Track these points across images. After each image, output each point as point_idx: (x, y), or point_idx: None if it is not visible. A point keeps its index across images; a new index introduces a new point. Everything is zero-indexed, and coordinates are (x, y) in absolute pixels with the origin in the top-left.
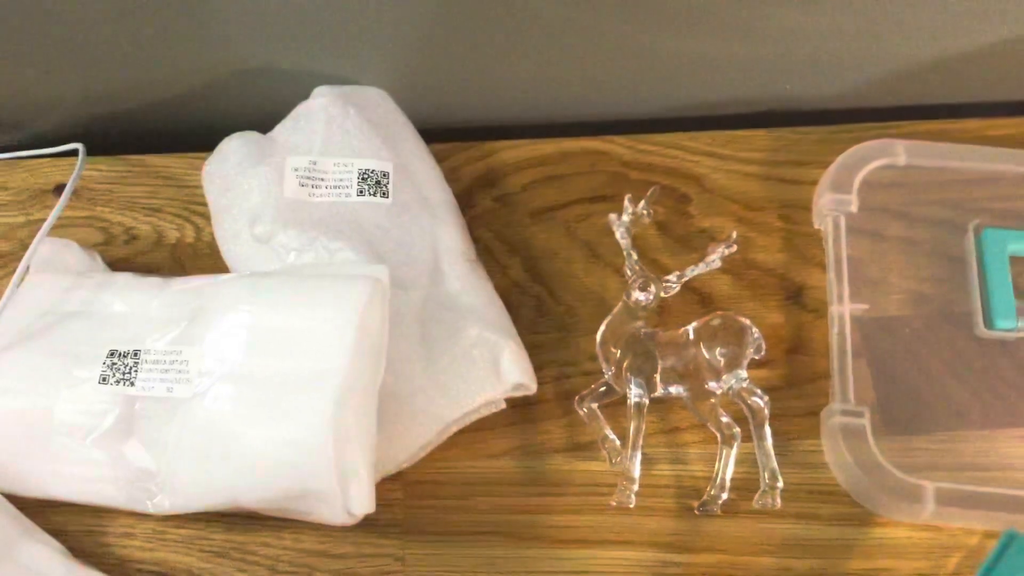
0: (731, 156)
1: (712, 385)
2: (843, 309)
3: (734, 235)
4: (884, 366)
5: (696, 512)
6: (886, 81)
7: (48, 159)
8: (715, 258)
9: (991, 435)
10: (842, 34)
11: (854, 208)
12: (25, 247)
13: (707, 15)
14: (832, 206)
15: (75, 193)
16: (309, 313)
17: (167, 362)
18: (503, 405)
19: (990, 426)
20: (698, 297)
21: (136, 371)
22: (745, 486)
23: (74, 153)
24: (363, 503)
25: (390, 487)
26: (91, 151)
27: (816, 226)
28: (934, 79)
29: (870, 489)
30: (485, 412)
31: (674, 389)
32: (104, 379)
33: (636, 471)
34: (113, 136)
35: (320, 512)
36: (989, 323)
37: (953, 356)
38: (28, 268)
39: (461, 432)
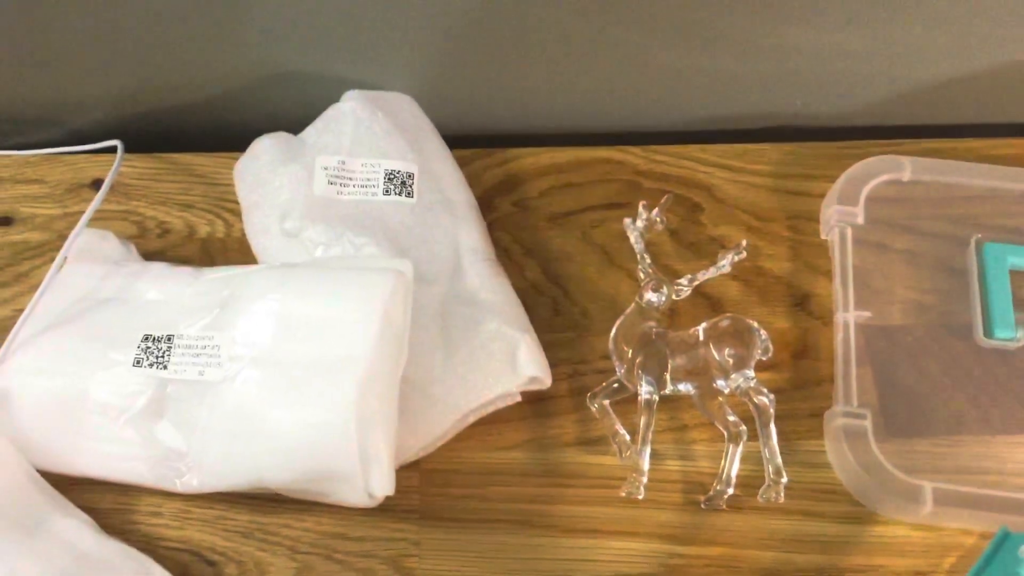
0: (742, 168)
1: (720, 384)
2: (848, 316)
3: (744, 243)
4: (886, 372)
5: (702, 506)
6: (894, 100)
7: (85, 155)
8: (725, 263)
9: (989, 440)
10: (853, 54)
11: (860, 220)
12: (62, 238)
13: (723, 33)
14: (839, 218)
15: (111, 188)
16: (336, 302)
17: (199, 347)
18: (518, 398)
19: (988, 431)
20: (708, 302)
21: (169, 355)
22: (750, 483)
23: (112, 150)
24: (384, 485)
25: (408, 475)
26: (127, 148)
27: (823, 237)
28: (940, 100)
29: (870, 488)
30: (500, 404)
31: (683, 387)
32: (138, 362)
33: (645, 464)
34: (149, 135)
35: (342, 493)
36: (989, 333)
37: (953, 364)
38: (66, 257)
39: (477, 424)
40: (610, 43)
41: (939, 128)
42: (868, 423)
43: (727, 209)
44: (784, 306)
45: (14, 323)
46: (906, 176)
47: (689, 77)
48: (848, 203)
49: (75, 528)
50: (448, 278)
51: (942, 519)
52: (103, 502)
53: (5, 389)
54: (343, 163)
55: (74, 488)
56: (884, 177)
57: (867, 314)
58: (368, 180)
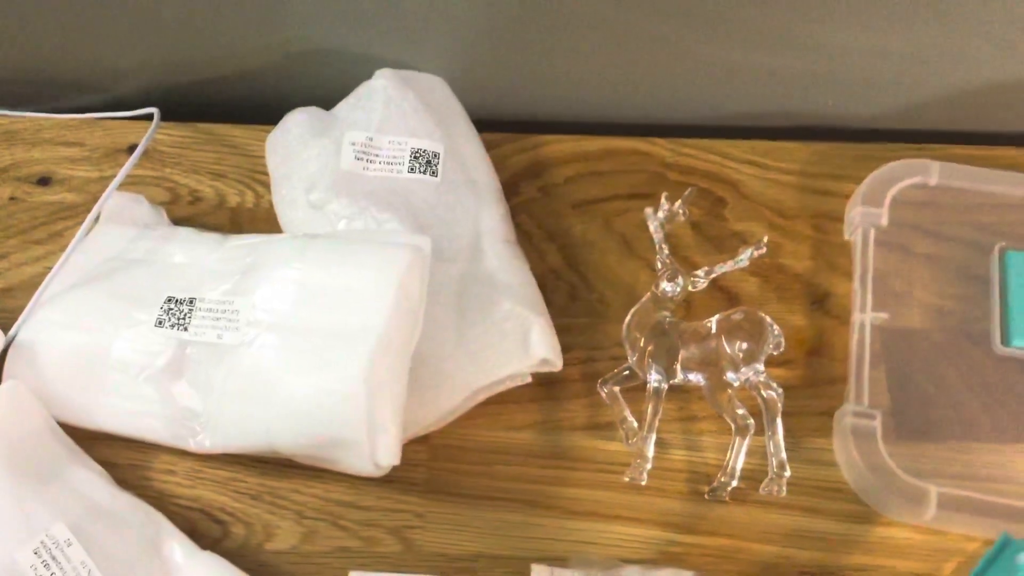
0: (768, 165)
1: (730, 376)
2: (865, 317)
3: (765, 239)
4: (900, 374)
5: (705, 497)
6: (925, 105)
7: (124, 121)
8: (743, 258)
9: (999, 448)
10: (886, 56)
11: (884, 222)
12: (97, 200)
13: (758, 29)
14: (863, 219)
15: (147, 154)
16: (354, 273)
17: (219, 311)
18: (529, 379)
19: (999, 439)
20: (725, 296)
21: (190, 317)
22: (755, 477)
23: (149, 117)
24: (389, 455)
25: (416, 448)
26: (164, 117)
27: (846, 237)
28: (970, 106)
29: (876, 489)
30: (511, 384)
31: (693, 377)
32: (160, 323)
33: (650, 451)
34: (185, 104)
35: (349, 461)
36: (1006, 341)
37: (968, 370)
38: (97, 217)
39: (487, 403)
40: (644, 35)
41: (968, 134)
42: (877, 424)
43: (751, 205)
44: (801, 304)
45: (44, 280)
46: (932, 180)
47: (721, 72)
48: (873, 204)
49: (90, 480)
50: (467, 258)
51: (946, 523)
52: (119, 457)
53: (31, 341)
54: (371, 139)
55: (92, 442)
56: (910, 180)
57: (884, 316)
58: (394, 157)
